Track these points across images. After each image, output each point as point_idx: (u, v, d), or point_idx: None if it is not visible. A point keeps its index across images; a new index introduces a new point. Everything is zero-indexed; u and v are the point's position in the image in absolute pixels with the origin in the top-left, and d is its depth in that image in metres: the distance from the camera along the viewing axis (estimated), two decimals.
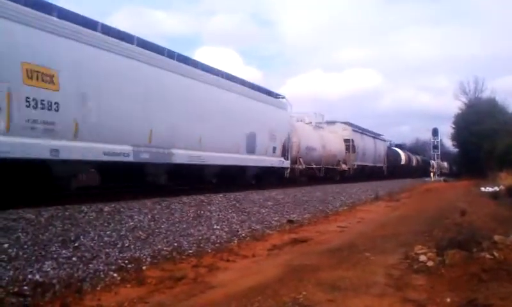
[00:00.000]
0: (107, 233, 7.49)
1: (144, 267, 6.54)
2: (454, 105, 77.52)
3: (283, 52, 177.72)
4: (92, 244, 6.87)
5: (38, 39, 8.82)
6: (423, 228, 10.40)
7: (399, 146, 57.26)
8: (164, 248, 7.53)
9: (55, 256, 6.14)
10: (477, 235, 7.67)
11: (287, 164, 20.75)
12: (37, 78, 8.66)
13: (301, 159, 22.88)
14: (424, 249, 7.15)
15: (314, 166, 24.80)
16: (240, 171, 17.04)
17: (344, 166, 30.19)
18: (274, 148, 19.43)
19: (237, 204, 12.18)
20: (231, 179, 16.31)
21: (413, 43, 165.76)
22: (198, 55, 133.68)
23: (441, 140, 70.81)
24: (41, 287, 5.22)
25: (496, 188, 21.58)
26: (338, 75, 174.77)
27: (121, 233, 7.64)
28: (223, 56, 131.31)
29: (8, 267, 5.49)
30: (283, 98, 21.67)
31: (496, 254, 6.61)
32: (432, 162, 66.80)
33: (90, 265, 6.13)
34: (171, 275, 6.17)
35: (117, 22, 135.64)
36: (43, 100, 8.77)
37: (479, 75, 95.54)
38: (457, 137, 58.41)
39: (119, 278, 5.95)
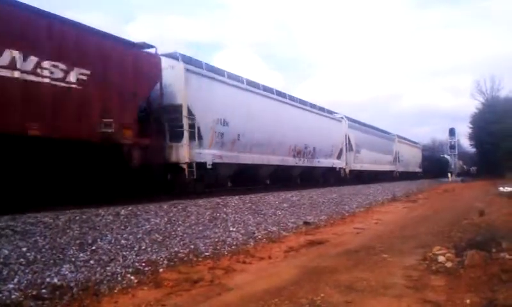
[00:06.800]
0: (124, 236, 7.55)
1: (161, 270, 6.57)
2: (472, 105, 76.44)
3: (302, 55, 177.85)
4: (109, 247, 6.92)
5: None
6: (441, 228, 10.27)
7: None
8: (181, 250, 7.55)
9: (73, 259, 6.20)
10: (497, 235, 7.54)
11: None
12: None
13: None
14: (442, 250, 7.05)
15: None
16: None
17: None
18: None
19: (253, 207, 12.18)
20: None
21: (433, 44, 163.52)
22: (219, 59, 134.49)
23: (458, 140, 69.90)
24: (59, 290, 5.28)
25: None
26: (359, 76, 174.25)
27: (138, 236, 7.69)
28: (245, 60, 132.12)
29: (27, 271, 5.56)
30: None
31: None
32: (450, 161, 65.90)
33: (107, 268, 6.18)
34: (188, 278, 6.18)
35: (139, 28, 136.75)
36: None
37: (496, 74, 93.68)
38: (474, 136, 57.69)
39: (136, 281, 5.99)
